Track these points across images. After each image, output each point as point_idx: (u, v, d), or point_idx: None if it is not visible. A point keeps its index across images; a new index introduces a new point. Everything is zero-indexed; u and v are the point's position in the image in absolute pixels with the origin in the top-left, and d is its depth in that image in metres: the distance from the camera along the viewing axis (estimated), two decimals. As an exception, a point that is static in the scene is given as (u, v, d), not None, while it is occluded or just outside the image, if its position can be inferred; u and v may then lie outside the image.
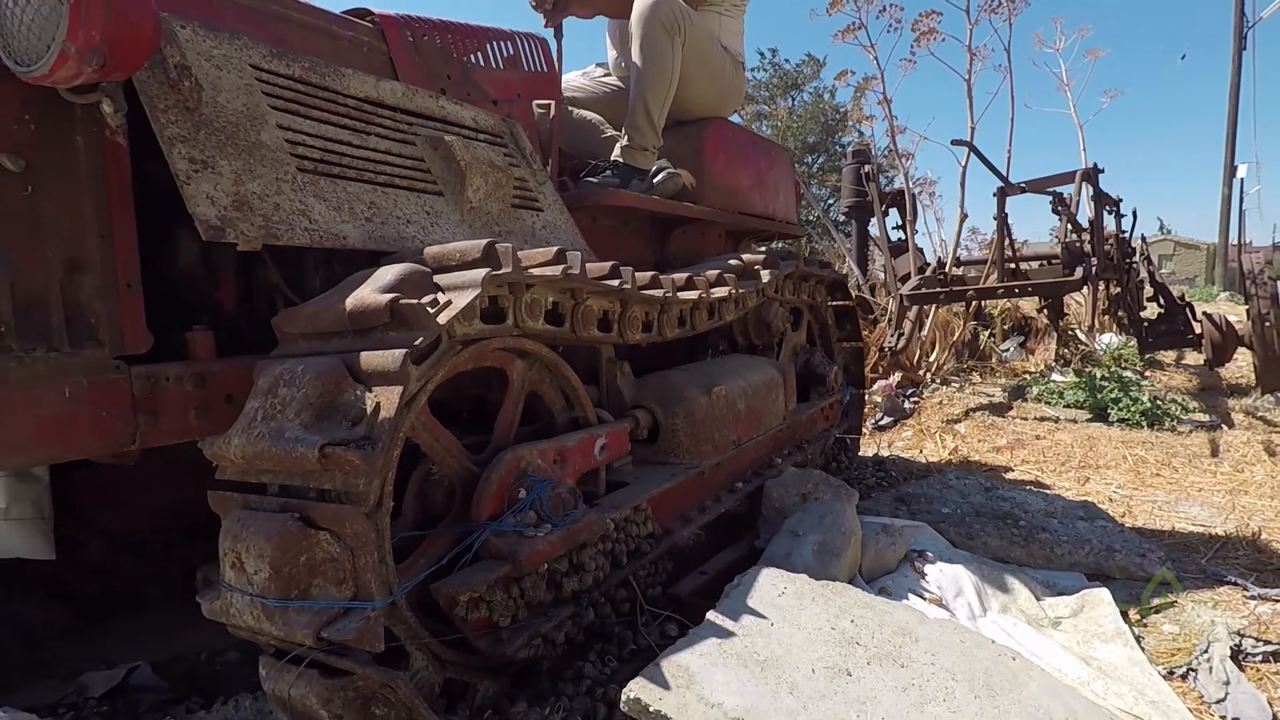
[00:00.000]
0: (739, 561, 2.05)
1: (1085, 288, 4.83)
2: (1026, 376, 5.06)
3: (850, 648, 1.11)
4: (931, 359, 4.84)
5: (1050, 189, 4.14)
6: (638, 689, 0.95)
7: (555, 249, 1.40)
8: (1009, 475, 3.21)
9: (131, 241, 1.27)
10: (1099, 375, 4.14)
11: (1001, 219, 4.05)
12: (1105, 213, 4.54)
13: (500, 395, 1.47)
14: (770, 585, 1.25)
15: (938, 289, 4.07)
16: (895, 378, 4.41)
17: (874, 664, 1.09)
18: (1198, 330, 4.43)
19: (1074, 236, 4.35)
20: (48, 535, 1.78)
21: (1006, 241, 4.19)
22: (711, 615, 1.15)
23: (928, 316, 4.80)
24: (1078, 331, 5.70)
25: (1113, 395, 3.85)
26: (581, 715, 1.33)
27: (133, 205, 1.27)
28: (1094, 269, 3.95)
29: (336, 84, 1.55)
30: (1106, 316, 5.88)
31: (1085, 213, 4.56)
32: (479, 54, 2.03)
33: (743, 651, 1.06)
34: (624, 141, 2.31)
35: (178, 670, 1.81)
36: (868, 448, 3.74)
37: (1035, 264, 4.86)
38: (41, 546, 1.76)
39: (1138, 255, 4.92)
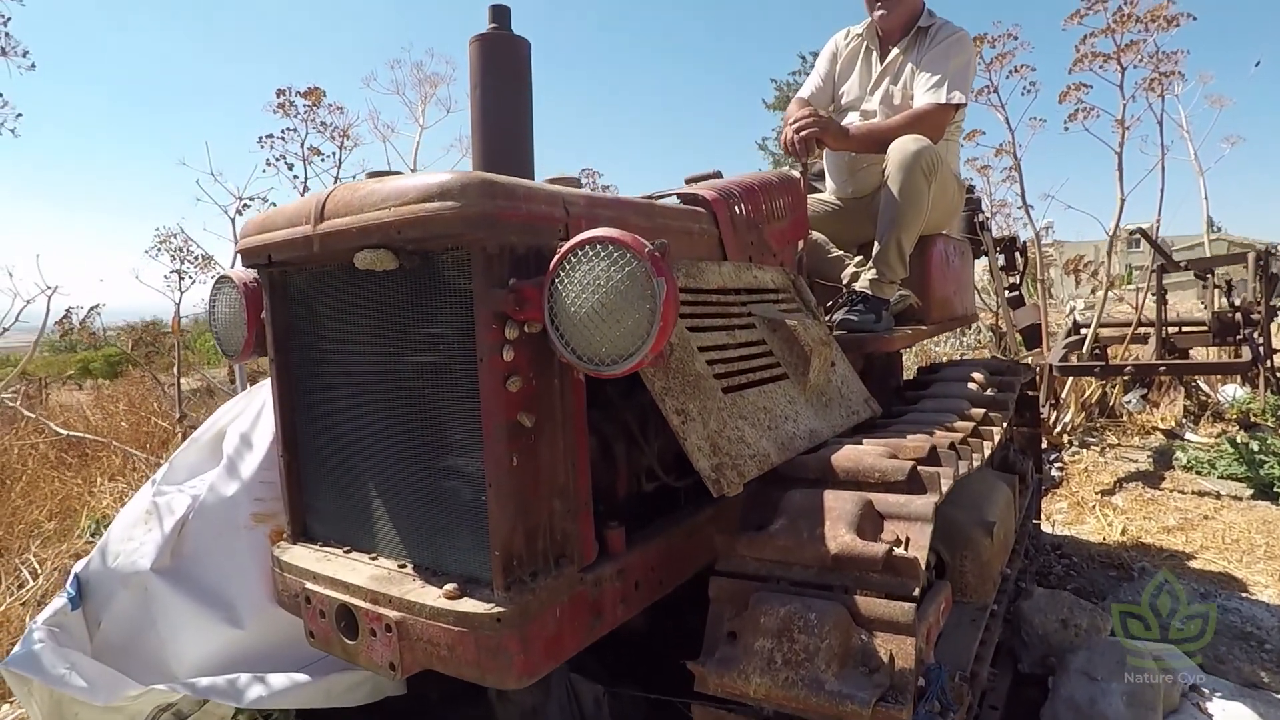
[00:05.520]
0: (1014, 689, 2.17)
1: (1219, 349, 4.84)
2: (1158, 435, 5.07)
3: None
4: (1066, 419, 4.89)
5: (1212, 268, 4.18)
6: None
7: (928, 446, 1.53)
8: (1193, 564, 3.27)
9: (586, 463, 1.42)
10: (1255, 447, 4.15)
11: (1160, 294, 4.10)
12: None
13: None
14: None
15: (1094, 363, 4.13)
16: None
17: None
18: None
19: (1224, 305, 4.37)
20: None
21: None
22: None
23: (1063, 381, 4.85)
24: (1201, 383, 5.69)
25: (1278, 473, 3.88)
26: None
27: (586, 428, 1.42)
28: (1261, 348, 3.98)
29: (701, 281, 1.68)
30: (1229, 367, 5.85)
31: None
32: (764, 211, 2.15)
33: None
34: (872, 274, 2.43)
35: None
36: (1031, 523, 3.80)
37: (1177, 329, 4.89)
38: None
39: (1280, 315, 4.92)
